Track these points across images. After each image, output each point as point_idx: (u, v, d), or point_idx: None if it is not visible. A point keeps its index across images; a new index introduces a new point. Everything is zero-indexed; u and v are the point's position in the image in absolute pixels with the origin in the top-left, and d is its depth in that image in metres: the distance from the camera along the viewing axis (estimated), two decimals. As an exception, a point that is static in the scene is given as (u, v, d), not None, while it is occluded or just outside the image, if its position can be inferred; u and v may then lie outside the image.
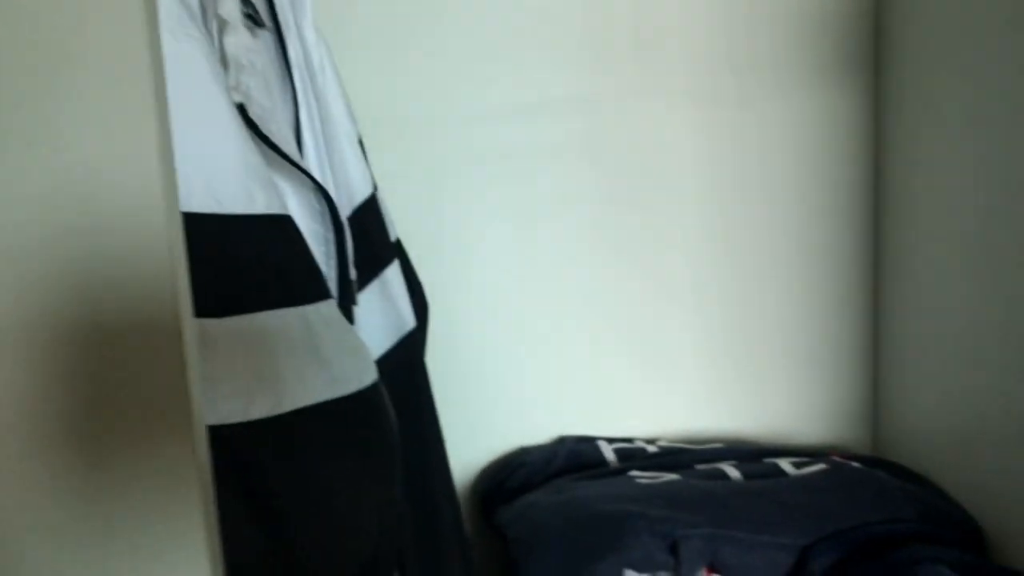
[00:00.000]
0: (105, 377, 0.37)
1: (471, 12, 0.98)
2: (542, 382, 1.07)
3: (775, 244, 1.05)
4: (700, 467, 0.96)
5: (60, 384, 0.37)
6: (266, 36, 0.68)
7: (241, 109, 0.51)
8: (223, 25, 0.51)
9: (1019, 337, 0.80)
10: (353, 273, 0.74)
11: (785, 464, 0.95)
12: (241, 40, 0.51)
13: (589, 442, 1.05)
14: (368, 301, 0.77)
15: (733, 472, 0.94)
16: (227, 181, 0.48)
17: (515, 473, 1.01)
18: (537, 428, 1.08)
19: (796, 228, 1.05)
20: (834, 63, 1.02)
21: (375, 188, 0.81)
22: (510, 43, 0.99)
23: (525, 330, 1.06)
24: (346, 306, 0.69)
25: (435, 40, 0.98)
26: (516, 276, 1.04)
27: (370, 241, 0.77)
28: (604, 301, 1.06)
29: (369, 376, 0.55)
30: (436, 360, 1.02)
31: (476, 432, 1.06)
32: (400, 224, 0.90)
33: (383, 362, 0.79)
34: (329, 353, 0.52)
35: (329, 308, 0.53)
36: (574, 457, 1.02)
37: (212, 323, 0.48)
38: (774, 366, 1.08)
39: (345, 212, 0.76)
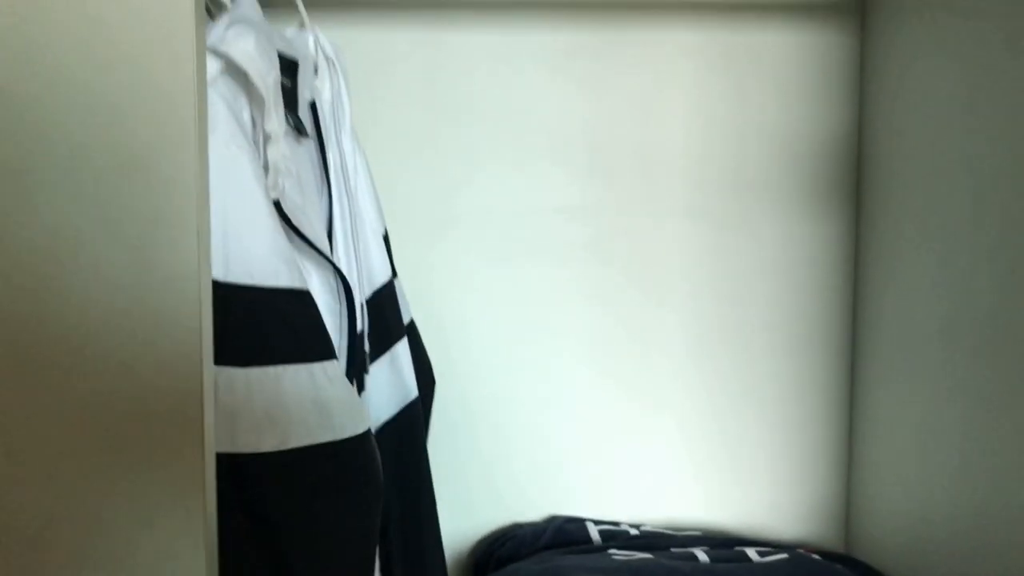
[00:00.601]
0: (141, 405, 0.49)
1: (492, 129, 1.13)
2: (539, 466, 1.17)
3: (757, 348, 1.15)
4: (675, 550, 1.05)
5: (108, 404, 0.48)
6: (309, 144, 0.83)
7: (277, 204, 0.64)
8: (267, 138, 0.64)
9: (986, 446, 0.88)
10: (367, 346, 0.86)
11: (751, 552, 1.03)
12: (281, 150, 0.65)
13: (577, 522, 1.14)
14: (379, 370, 0.89)
15: (702, 556, 1.02)
16: (259, 260, 0.61)
17: (505, 545, 1.10)
18: (531, 507, 1.17)
19: (777, 335, 1.15)
20: (817, 187, 1.14)
21: (393, 276, 0.93)
22: (525, 155, 1.13)
23: (525, 419, 1.16)
24: (358, 373, 0.82)
25: (459, 151, 1.13)
26: (520, 368, 1.15)
27: (384, 319, 0.89)
28: (597, 397, 1.16)
29: (362, 426, 0.66)
30: (442, 438, 1.14)
31: (475, 507, 1.16)
32: (415, 307, 1.03)
33: (388, 425, 0.90)
34: (329, 403, 0.63)
35: (333, 367, 0.65)
36: (561, 534, 1.11)
37: (237, 371, 0.60)
38: (755, 466, 1.16)
39: (365, 293, 0.88)
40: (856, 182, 1.14)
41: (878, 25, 1.09)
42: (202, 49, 0.49)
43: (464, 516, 1.16)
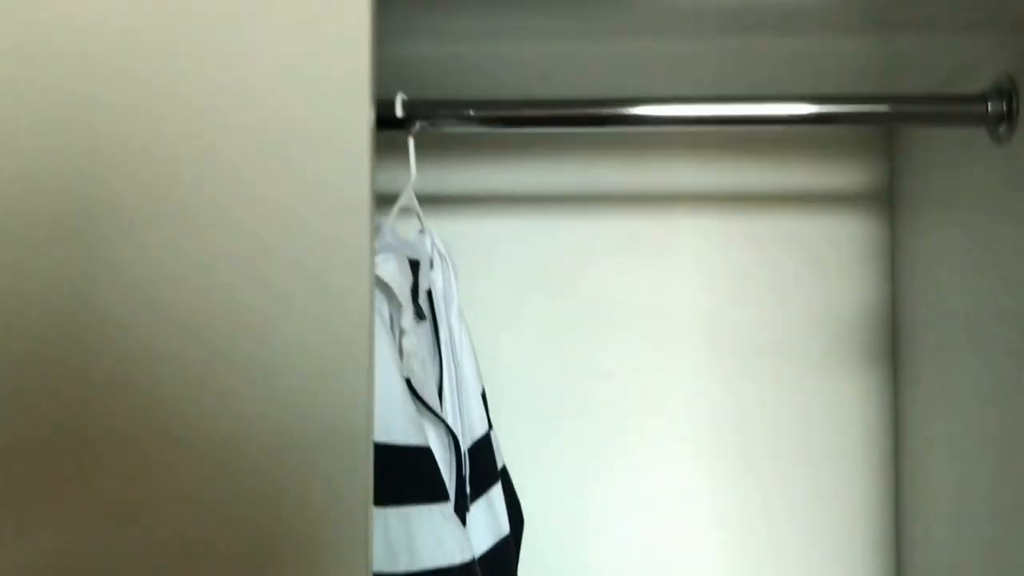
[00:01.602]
0: (313, 526, 0.68)
1: (567, 303, 1.34)
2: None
3: (798, 512, 1.30)
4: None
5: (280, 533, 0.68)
6: (426, 325, 1.04)
7: (408, 381, 0.85)
8: (403, 332, 0.86)
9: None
10: (468, 488, 1.05)
11: None
12: (411, 340, 0.86)
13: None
14: (477, 510, 1.07)
15: None
16: (396, 424, 0.81)
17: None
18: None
19: (822, 495, 1.30)
20: (854, 350, 1.30)
21: (489, 428, 1.13)
22: (595, 324, 1.33)
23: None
24: (461, 512, 1.00)
25: (543, 323, 1.34)
26: (571, 508, 1.32)
27: (483, 465, 1.08)
28: (640, 531, 1.32)
29: (468, 555, 0.84)
30: (528, 563, 1.30)
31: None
32: (508, 454, 1.21)
33: (484, 557, 1.08)
34: (445, 536, 0.82)
35: (448, 507, 0.84)
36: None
37: (377, 510, 0.79)
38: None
39: (467, 444, 1.08)
40: (892, 344, 1.30)
41: (905, 213, 1.27)
42: (372, 275, 0.71)
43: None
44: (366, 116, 0.69)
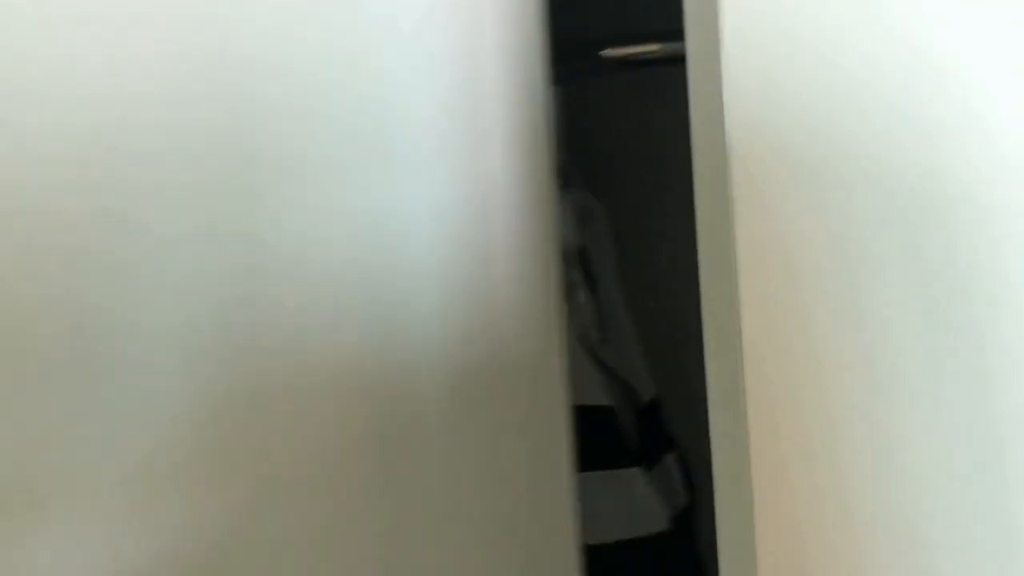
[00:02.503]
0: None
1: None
2: None
3: None
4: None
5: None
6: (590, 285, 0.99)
7: (581, 339, 0.80)
8: (574, 289, 0.81)
9: None
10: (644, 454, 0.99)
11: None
12: (580, 297, 0.81)
13: None
14: (652, 476, 1.00)
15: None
16: (579, 385, 0.76)
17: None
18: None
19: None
20: None
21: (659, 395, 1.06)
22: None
23: None
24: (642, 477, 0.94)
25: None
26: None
27: (655, 432, 1.02)
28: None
29: (662, 525, 0.79)
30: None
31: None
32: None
33: (666, 531, 1.01)
34: (640, 503, 0.77)
35: (637, 471, 0.79)
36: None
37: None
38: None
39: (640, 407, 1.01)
40: None
41: None
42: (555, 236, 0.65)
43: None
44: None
